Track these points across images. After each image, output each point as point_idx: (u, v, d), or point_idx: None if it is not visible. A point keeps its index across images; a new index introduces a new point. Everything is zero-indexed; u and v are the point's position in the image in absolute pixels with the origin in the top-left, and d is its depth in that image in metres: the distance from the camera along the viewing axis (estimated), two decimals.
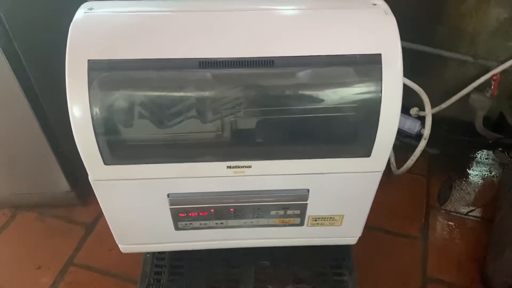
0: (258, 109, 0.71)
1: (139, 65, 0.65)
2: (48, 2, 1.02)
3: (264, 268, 1.05)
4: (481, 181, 1.40)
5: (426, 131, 1.28)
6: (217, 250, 0.98)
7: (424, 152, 1.28)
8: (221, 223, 0.88)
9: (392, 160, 1.38)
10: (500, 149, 1.49)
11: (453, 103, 1.43)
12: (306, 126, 0.72)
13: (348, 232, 0.94)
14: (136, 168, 0.74)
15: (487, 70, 1.35)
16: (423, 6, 1.34)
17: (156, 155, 0.74)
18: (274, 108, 0.70)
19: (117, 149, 0.71)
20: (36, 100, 1.01)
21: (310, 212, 0.86)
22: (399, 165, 1.35)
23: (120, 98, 0.67)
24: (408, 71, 1.17)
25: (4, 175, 1.18)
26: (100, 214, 1.25)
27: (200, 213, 0.85)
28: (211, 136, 0.72)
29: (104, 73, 0.64)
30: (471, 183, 1.39)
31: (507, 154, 1.47)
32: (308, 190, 0.81)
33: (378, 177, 0.80)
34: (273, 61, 0.65)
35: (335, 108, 0.69)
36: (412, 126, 1.47)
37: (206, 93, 0.68)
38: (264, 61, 0.65)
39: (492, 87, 1.35)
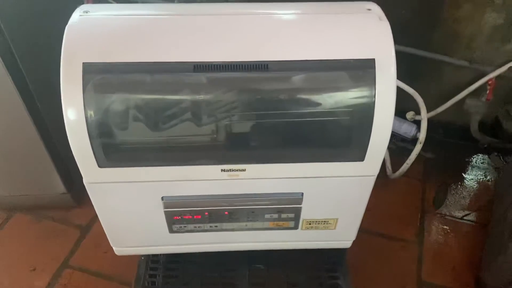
0: (253, 113, 0.71)
1: (134, 68, 0.65)
2: (44, 4, 1.02)
3: (259, 271, 1.05)
4: (476, 185, 1.40)
5: (422, 135, 1.28)
6: (212, 254, 0.98)
7: (419, 156, 1.29)
8: (216, 226, 0.88)
9: (388, 164, 1.38)
10: (495, 153, 1.50)
11: (449, 108, 1.43)
12: (300, 130, 0.72)
13: (342, 236, 0.94)
14: (130, 171, 0.74)
15: (483, 75, 1.36)
16: (420, 10, 1.34)
17: (150, 158, 0.74)
18: (269, 112, 0.70)
19: (111, 152, 0.71)
20: (31, 102, 1.01)
21: (304, 215, 0.86)
22: (394, 169, 1.36)
23: (114, 101, 0.67)
24: (404, 75, 1.18)
25: (0, 176, 1.17)
26: (95, 217, 1.23)
27: (195, 216, 0.85)
28: (206, 140, 0.72)
29: (98, 76, 0.65)
30: (466, 187, 1.39)
31: (502, 158, 1.47)
32: (302, 193, 0.82)
33: (372, 181, 0.80)
34: (267, 65, 0.66)
35: (329, 112, 0.70)
36: (407, 130, 1.48)
37: (201, 97, 0.68)
38: (259, 65, 0.66)
39: (488, 91, 1.36)
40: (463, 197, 1.36)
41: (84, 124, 0.65)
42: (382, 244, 1.21)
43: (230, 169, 0.75)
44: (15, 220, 1.25)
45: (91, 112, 0.65)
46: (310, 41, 0.68)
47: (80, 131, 0.66)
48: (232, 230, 0.89)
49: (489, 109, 1.42)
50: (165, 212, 0.83)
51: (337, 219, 0.89)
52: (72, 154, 0.70)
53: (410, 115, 1.48)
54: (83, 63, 0.64)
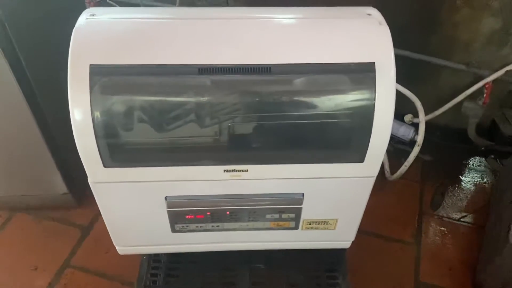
0: (255, 115, 0.72)
1: (140, 70, 0.66)
2: (50, 7, 1.03)
3: (259, 271, 1.06)
4: (473, 187, 1.42)
5: (420, 138, 1.30)
6: (213, 253, 0.99)
7: (417, 158, 1.31)
8: (217, 226, 0.89)
9: (386, 166, 1.39)
10: (492, 156, 1.51)
11: (446, 111, 1.45)
12: (302, 132, 0.74)
13: (342, 236, 0.96)
14: (135, 171, 0.75)
15: (480, 79, 1.38)
16: (418, 15, 1.36)
17: (155, 158, 0.75)
18: (271, 114, 0.72)
19: (117, 152, 0.72)
20: (35, 103, 1.02)
21: (304, 216, 0.88)
22: (392, 171, 1.37)
23: (121, 103, 0.68)
24: (403, 79, 1.19)
25: (2, 176, 1.18)
26: (96, 216, 1.26)
27: (197, 216, 0.86)
28: (209, 141, 0.74)
29: (105, 78, 0.66)
30: (463, 190, 1.41)
31: (499, 161, 1.49)
32: (303, 194, 0.83)
33: (371, 182, 0.81)
34: (270, 68, 0.67)
35: (330, 115, 0.71)
36: (406, 132, 1.49)
37: (205, 99, 0.69)
38: (261, 68, 0.67)
39: (485, 95, 1.38)
40: (460, 199, 1.37)
41: (90, 124, 0.67)
42: (380, 245, 1.22)
43: (232, 170, 0.76)
44: (16, 220, 1.26)
45: (97, 113, 0.66)
46: (312, 45, 0.70)
47: (86, 132, 0.67)
48: (233, 230, 0.90)
49: (486, 112, 1.44)
50: (168, 211, 0.84)
51: (337, 219, 0.90)
52: (74, 155, 0.71)
53: (408, 117, 1.49)
54: (90, 65, 0.65)
